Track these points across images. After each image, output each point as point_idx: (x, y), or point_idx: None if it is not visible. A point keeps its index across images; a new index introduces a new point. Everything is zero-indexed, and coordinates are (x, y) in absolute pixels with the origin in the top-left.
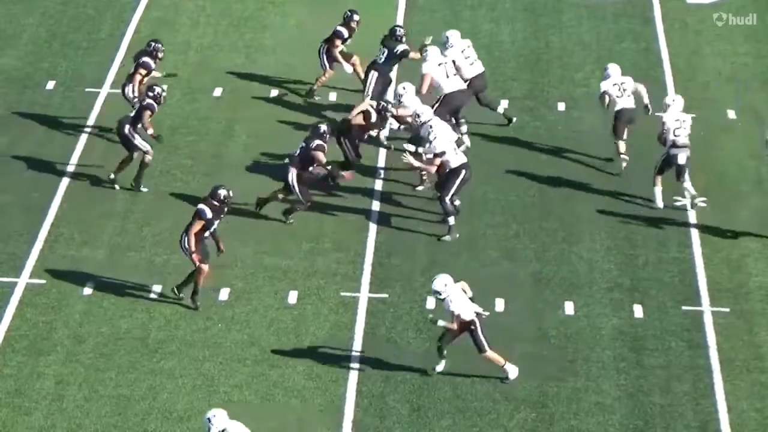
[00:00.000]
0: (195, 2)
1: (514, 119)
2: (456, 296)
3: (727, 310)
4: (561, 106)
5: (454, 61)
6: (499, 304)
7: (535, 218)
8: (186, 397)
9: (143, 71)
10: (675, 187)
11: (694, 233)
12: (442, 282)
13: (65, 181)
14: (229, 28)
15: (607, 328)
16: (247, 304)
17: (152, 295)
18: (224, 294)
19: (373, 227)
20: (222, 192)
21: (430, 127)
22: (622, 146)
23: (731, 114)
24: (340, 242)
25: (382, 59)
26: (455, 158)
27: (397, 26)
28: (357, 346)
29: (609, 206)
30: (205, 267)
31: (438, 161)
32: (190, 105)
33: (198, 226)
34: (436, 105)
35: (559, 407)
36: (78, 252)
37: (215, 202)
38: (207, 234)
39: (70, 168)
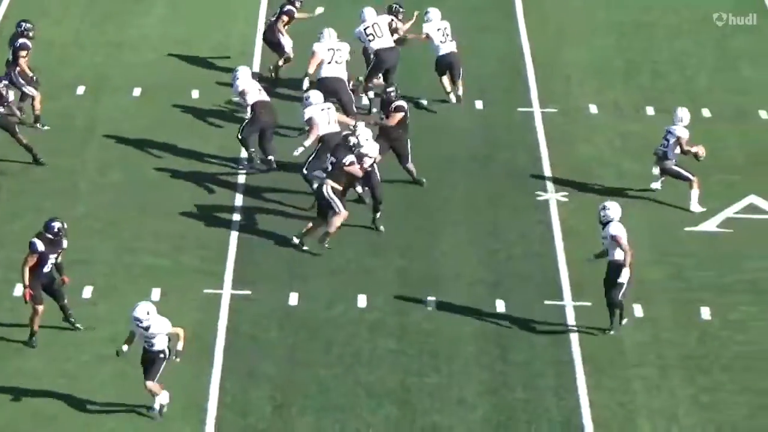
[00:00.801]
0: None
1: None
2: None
3: (590, 304)
4: (424, 102)
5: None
6: (362, 300)
7: (399, 213)
8: (50, 396)
9: (23, 53)
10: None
11: (557, 228)
12: (144, 310)
13: None
14: (91, 26)
15: (470, 323)
16: (110, 302)
17: (15, 294)
18: (87, 292)
19: (236, 223)
20: (56, 225)
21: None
22: (446, 84)
23: (593, 108)
24: (203, 239)
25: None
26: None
27: None
28: (220, 343)
29: (471, 201)
30: (40, 308)
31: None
32: (53, 102)
33: (32, 260)
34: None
35: (421, 402)
36: None
37: (49, 236)
38: (47, 268)
39: None
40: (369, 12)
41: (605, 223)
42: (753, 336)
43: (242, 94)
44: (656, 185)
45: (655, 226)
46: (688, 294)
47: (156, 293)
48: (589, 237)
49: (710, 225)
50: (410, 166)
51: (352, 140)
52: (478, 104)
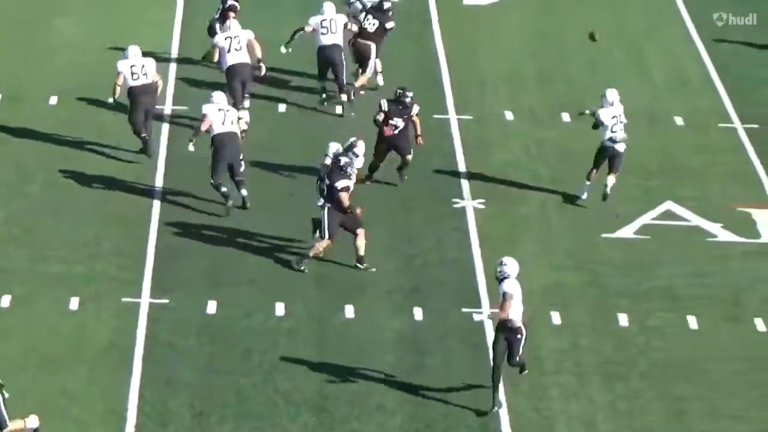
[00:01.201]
0: None
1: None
2: None
3: None
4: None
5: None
6: (280, 308)
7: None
8: None
9: None
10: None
11: (473, 234)
12: None
13: None
14: (5, 31)
15: (387, 330)
16: (26, 311)
17: None
18: (5, 301)
19: (153, 229)
20: None
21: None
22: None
23: (508, 115)
24: (120, 246)
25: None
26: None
27: None
28: (139, 351)
29: (388, 207)
30: None
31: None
32: None
33: None
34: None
35: (340, 410)
36: None
37: None
38: None
39: None
40: (328, 6)
41: (501, 280)
42: (670, 342)
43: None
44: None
45: (571, 232)
46: (605, 300)
47: (74, 302)
48: (506, 244)
49: (627, 231)
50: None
51: (344, 160)
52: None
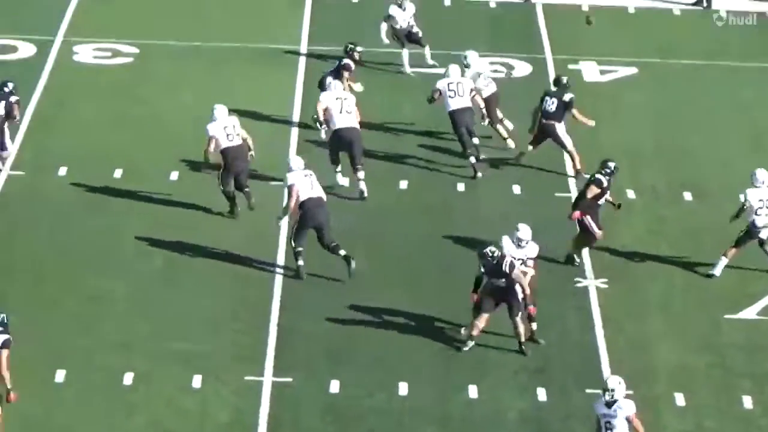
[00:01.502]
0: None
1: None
2: None
3: (631, 392)
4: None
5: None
6: (403, 388)
7: (438, 299)
8: None
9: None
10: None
11: (596, 314)
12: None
13: None
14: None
15: (511, 411)
16: (149, 388)
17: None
18: (128, 378)
19: (275, 306)
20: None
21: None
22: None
23: (630, 193)
24: (241, 322)
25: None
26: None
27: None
28: (262, 431)
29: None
30: None
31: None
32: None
33: None
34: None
35: None
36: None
37: None
38: None
39: None
40: (454, 69)
41: (612, 404)
42: None
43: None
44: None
45: (695, 311)
46: (729, 381)
47: (196, 380)
48: (629, 324)
49: (751, 312)
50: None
51: (489, 251)
52: (516, 189)
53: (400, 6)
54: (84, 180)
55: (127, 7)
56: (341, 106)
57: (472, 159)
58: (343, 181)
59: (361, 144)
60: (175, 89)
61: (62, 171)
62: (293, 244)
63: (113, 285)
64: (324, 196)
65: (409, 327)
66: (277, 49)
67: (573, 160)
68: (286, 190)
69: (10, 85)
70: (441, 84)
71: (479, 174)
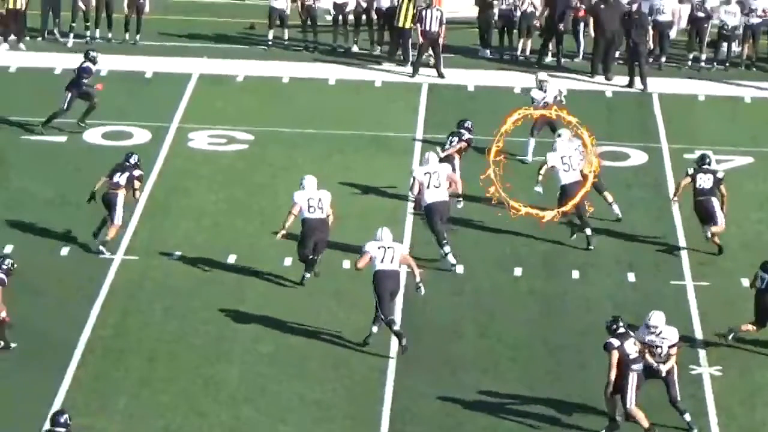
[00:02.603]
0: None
1: None
2: None
3: None
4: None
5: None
6: None
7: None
8: None
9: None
10: None
11: (710, 402)
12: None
13: (80, 347)
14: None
15: None
16: None
17: None
18: None
19: (388, 390)
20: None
21: None
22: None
23: (745, 282)
24: (353, 407)
25: None
26: None
27: None
28: None
29: None
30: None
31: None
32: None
33: None
34: None
35: None
36: (93, 422)
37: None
38: None
39: (84, 335)
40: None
41: None
42: None
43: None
44: None
45: None
46: None
47: None
48: (743, 412)
49: None
50: None
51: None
52: (631, 277)
53: (540, 88)
54: (197, 265)
55: (242, 94)
56: (429, 180)
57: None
58: (452, 260)
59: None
60: (290, 176)
61: (176, 256)
62: (384, 317)
63: (226, 369)
64: (398, 269)
65: (511, 408)
66: (393, 137)
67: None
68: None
69: (135, 158)
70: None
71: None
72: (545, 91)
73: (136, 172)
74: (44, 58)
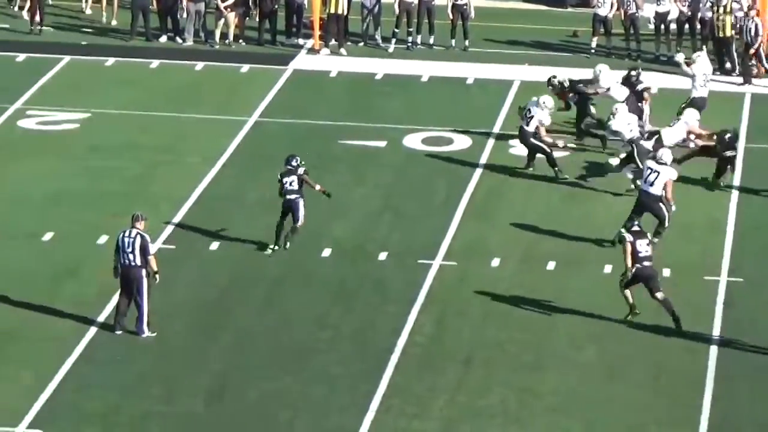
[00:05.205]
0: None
1: None
2: None
3: None
4: None
5: None
6: None
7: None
8: None
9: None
10: None
11: None
12: None
13: (396, 353)
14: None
15: None
16: None
17: None
18: None
19: (707, 399)
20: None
21: None
22: None
23: None
24: (670, 418)
25: None
26: None
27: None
28: None
29: None
30: None
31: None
32: None
33: None
34: None
35: None
36: (408, 424)
37: None
38: None
39: (401, 339)
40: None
41: None
42: None
43: None
44: None
45: None
46: None
47: None
48: None
49: None
50: None
51: None
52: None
53: None
54: (517, 272)
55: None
56: None
57: None
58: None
59: None
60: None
61: (495, 263)
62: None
63: (541, 377)
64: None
65: None
66: None
67: None
68: None
69: (297, 159)
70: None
71: None
72: None
73: (301, 170)
74: (365, 63)
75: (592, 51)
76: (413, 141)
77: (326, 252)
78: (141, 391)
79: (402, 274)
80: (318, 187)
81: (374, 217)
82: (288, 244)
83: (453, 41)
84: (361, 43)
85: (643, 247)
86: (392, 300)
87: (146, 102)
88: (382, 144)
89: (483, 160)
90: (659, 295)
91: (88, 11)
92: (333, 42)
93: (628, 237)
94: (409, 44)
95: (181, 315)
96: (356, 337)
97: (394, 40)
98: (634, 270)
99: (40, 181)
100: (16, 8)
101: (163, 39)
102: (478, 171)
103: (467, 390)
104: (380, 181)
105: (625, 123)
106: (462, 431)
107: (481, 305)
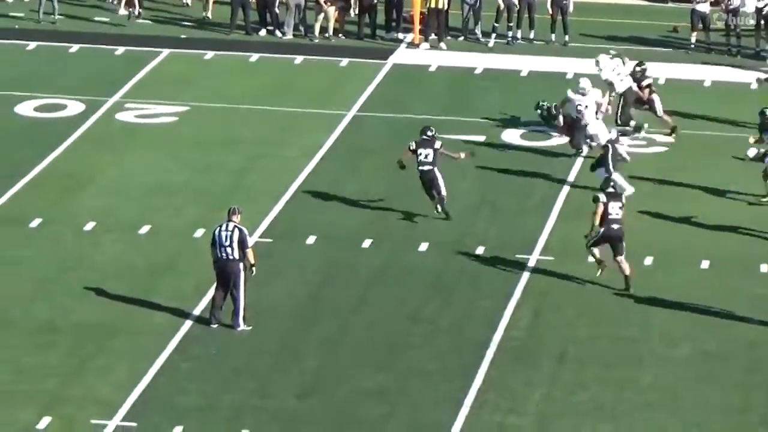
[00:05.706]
0: None
1: None
2: None
3: None
4: None
5: None
6: None
7: None
8: None
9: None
10: None
11: None
12: None
13: (492, 347)
14: None
15: None
16: None
17: None
18: None
19: None
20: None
21: None
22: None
23: None
24: None
25: None
26: None
27: None
28: None
29: None
30: None
31: None
32: None
33: None
34: None
35: None
36: (504, 419)
37: None
38: None
39: (497, 334)
40: None
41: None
42: None
43: None
44: None
45: None
46: None
47: None
48: None
49: None
50: None
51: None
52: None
53: None
54: (610, 269)
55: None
56: None
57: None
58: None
59: None
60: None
61: (591, 258)
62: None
63: (637, 373)
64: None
65: None
66: None
67: None
68: None
69: (433, 129)
70: None
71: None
72: None
73: (437, 144)
74: (465, 57)
75: (692, 46)
76: (511, 136)
77: (423, 246)
78: (235, 385)
79: (498, 269)
80: (461, 155)
81: (472, 212)
82: (447, 213)
83: (553, 36)
84: (461, 38)
85: (615, 209)
86: (488, 294)
87: (245, 96)
88: (481, 138)
89: (579, 158)
90: (620, 258)
91: (188, 2)
92: (433, 36)
93: (602, 198)
94: (509, 39)
95: (277, 309)
96: (452, 331)
97: (494, 35)
98: (602, 230)
99: (137, 174)
100: (114, 1)
101: (263, 33)
102: (576, 168)
103: (562, 385)
104: (478, 176)
105: (600, 126)
106: (557, 427)
107: (577, 301)
